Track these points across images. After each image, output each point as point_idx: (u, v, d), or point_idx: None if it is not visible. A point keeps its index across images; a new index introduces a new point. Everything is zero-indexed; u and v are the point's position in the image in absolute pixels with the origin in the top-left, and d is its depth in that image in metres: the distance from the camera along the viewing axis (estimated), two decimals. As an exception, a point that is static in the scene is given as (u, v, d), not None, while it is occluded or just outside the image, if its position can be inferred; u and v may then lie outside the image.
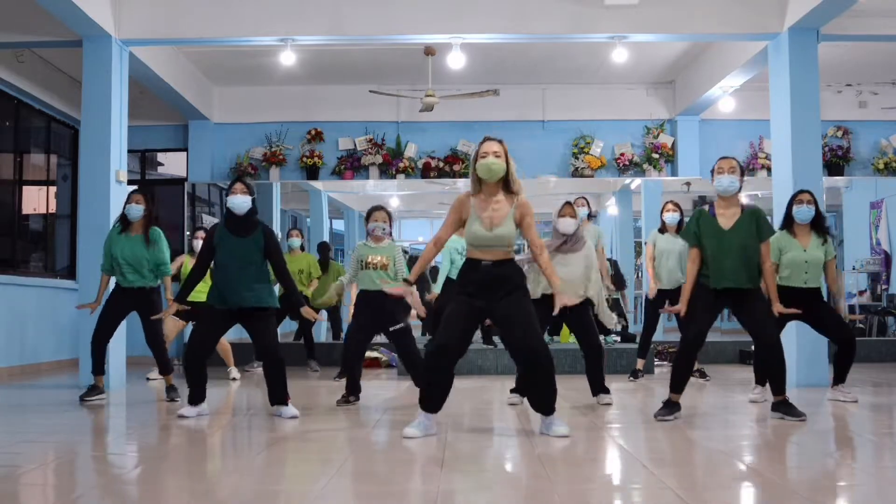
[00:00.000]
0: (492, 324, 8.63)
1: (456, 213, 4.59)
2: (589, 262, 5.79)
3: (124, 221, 6.29)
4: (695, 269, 5.13)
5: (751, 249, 5.03)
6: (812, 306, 5.74)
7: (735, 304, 5.13)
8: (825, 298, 6.00)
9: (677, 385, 5.10)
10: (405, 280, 4.82)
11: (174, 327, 7.75)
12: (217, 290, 5.26)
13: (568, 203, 5.86)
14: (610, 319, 6.09)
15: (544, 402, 4.53)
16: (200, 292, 6.39)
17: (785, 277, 5.70)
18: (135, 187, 7.08)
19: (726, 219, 5.08)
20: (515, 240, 4.58)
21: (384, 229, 5.90)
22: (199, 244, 7.79)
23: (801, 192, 5.84)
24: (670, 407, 5.07)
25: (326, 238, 11.93)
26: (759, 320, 5.07)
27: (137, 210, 6.24)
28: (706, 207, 5.23)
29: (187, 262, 7.66)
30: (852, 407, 5.61)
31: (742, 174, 5.15)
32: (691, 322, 5.13)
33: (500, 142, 4.56)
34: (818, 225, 5.80)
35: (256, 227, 5.33)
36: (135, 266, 6.20)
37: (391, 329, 5.90)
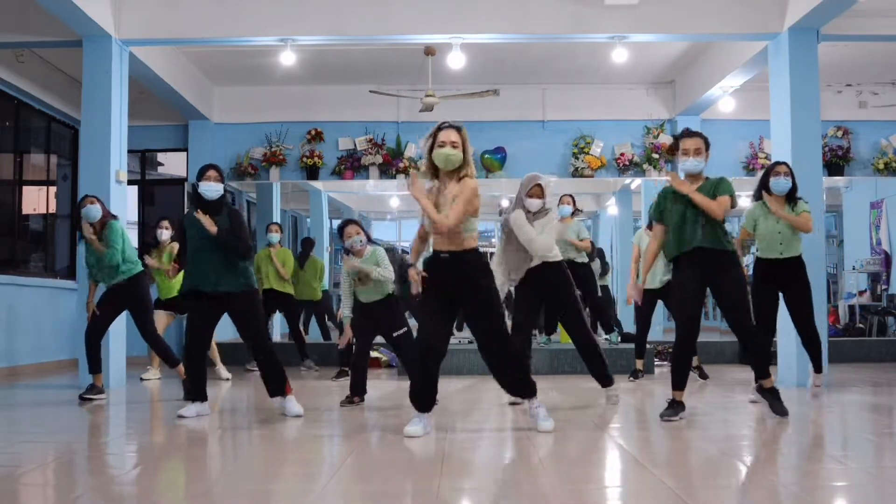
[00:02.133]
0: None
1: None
2: (550, 227, 5.70)
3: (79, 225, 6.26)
4: (655, 245, 5.12)
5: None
6: (791, 283, 5.79)
7: (713, 283, 5.00)
8: (806, 277, 5.96)
9: (679, 380, 5.02)
10: (411, 266, 4.94)
11: (164, 322, 7.72)
12: (191, 273, 5.24)
13: (538, 185, 5.70)
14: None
15: (514, 384, 4.61)
16: (177, 282, 6.42)
17: (762, 249, 5.81)
18: (123, 188, 7.06)
19: (689, 188, 5.01)
20: (470, 224, 4.47)
21: (362, 241, 5.88)
22: (161, 233, 7.69)
23: (779, 163, 5.92)
24: (675, 407, 5.02)
25: (326, 238, 11.95)
26: (730, 307, 4.98)
27: (95, 210, 6.24)
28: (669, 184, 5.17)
29: (153, 262, 7.62)
30: (852, 407, 5.62)
31: (708, 148, 5.04)
32: (680, 307, 5.04)
33: (459, 130, 4.48)
34: (792, 196, 5.85)
35: (222, 208, 5.32)
36: (100, 266, 6.24)
37: (394, 335, 5.91)
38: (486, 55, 9.19)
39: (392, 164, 10.53)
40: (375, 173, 10.57)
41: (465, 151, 4.46)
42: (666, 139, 10.52)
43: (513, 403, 5.74)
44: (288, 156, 10.60)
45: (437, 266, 4.53)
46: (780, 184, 5.81)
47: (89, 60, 7.33)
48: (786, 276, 5.79)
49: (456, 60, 7.97)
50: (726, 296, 4.98)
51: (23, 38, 7.82)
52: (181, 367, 6.41)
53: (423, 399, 4.54)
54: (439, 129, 4.48)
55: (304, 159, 10.51)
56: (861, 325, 11.14)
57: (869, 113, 10.64)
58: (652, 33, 7.71)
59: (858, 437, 4.67)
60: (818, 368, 6.20)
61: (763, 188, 5.92)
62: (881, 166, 10.58)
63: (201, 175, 5.30)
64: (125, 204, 7.63)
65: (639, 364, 7.58)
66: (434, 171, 4.54)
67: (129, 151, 8.06)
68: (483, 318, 4.51)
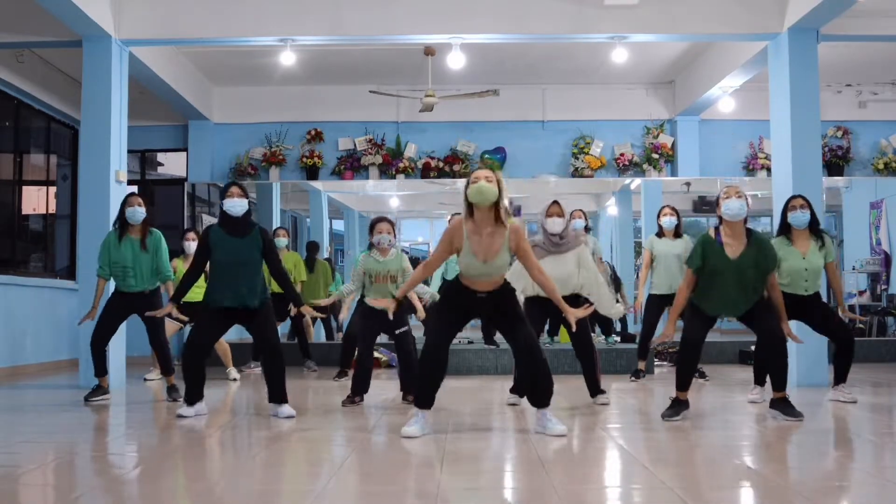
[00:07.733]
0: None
1: (448, 239, 4.62)
2: (581, 261, 5.73)
3: (123, 225, 6.23)
4: (688, 293, 5.12)
5: (753, 280, 5.01)
6: (813, 312, 5.76)
7: (741, 316, 5.16)
8: (825, 299, 5.96)
9: (682, 384, 5.13)
10: (393, 297, 4.96)
11: (172, 327, 7.73)
12: (215, 290, 5.27)
13: (555, 202, 5.78)
14: (612, 308, 5.86)
15: (538, 395, 4.62)
16: (199, 287, 6.41)
17: (785, 285, 5.65)
18: (133, 189, 7.05)
19: (732, 248, 5.01)
20: (509, 266, 4.68)
21: (389, 241, 5.90)
22: (189, 245, 7.82)
23: (794, 197, 5.80)
24: (677, 406, 5.09)
25: (326, 238, 11.95)
26: (761, 316, 5.06)
27: (140, 213, 6.20)
28: (711, 232, 5.13)
29: (180, 266, 7.53)
30: (852, 407, 5.61)
31: (747, 200, 5.08)
32: (690, 328, 5.14)
33: (493, 170, 4.60)
34: (814, 228, 5.77)
35: (253, 227, 5.37)
36: (135, 270, 6.17)
37: (397, 332, 5.93)
38: (486, 55, 9.19)
39: (392, 164, 10.54)
40: (375, 173, 10.58)
41: (500, 190, 4.50)
42: (666, 139, 10.53)
43: (512, 404, 5.75)
44: (288, 156, 10.61)
45: (471, 301, 4.63)
46: (798, 217, 5.68)
47: (89, 60, 7.33)
48: (806, 309, 5.72)
49: (456, 60, 7.97)
50: (751, 314, 5.10)
51: (23, 38, 7.82)
52: (171, 377, 6.41)
53: (429, 396, 4.61)
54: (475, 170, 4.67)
55: (304, 159, 10.51)
56: (861, 326, 11.14)
57: (869, 113, 10.65)
58: (652, 33, 7.71)
59: (858, 437, 4.68)
60: (844, 378, 5.86)
61: (784, 224, 5.79)
62: (881, 166, 10.58)
63: (224, 193, 5.34)
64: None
65: (640, 364, 7.58)
66: (470, 211, 4.57)
67: (129, 151, 8.06)
68: (519, 331, 4.61)
